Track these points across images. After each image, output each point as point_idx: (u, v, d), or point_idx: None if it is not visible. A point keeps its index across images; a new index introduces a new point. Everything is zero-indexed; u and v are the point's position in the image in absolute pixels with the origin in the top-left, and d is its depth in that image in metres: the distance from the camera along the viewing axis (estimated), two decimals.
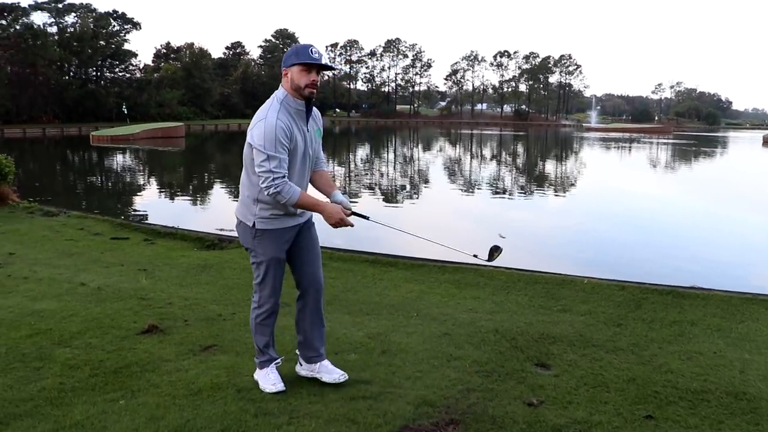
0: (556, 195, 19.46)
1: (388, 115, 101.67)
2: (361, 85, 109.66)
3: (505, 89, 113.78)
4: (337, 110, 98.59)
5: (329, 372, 3.58)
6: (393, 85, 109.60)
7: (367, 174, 24.51)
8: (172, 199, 16.32)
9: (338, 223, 3.17)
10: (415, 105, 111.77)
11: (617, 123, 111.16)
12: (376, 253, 7.32)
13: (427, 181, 23.87)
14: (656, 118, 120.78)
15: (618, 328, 5.03)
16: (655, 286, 6.24)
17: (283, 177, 3.05)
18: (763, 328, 5.10)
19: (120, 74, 64.42)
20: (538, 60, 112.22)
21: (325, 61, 3.14)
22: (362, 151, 40.80)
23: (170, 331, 4.36)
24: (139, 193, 17.28)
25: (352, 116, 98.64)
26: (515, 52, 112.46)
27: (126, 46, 63.93)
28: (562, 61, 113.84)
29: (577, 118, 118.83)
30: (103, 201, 15.65)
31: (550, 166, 31.61)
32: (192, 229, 8.50)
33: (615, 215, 14.62)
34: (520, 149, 48.26)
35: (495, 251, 3.53)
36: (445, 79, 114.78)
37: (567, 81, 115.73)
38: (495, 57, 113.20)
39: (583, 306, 5.61)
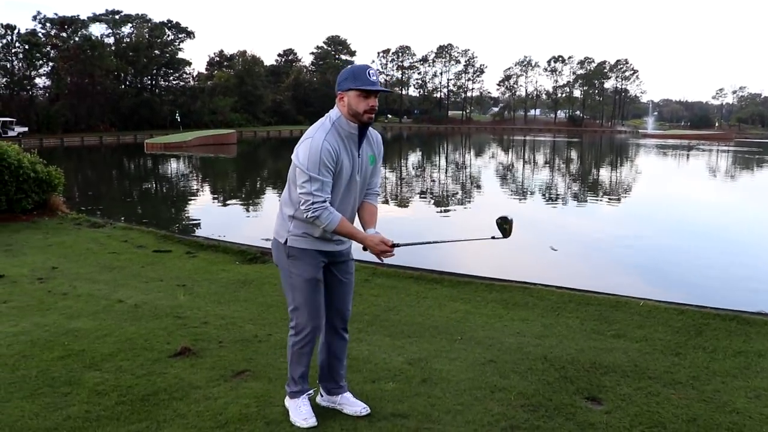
0: (610, 204, 18.85)
1: (439, 120, 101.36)
2: (413, 91, 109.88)
3: (559, 95, 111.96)
4: (389, 116, 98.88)
5: (351, 404, 3.41)
6: (445, 90, 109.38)
7: (418, 179, 24.33)
8: (222, 206, 16.51)
9: (382, 253, 3.00)
10: (467, 111, 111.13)
11: (675, 129, 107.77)
12: (421, 268, 7.07)
13: (478, 187, 23.52)
14: (717, 124, 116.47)
15: (676, 357, 4.66)
16: (718, 311, 5.80)
17: (324, 202, 2.89)
18: None
19: (174, 82, 66.25)
20: (593, 65, 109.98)
21: (381, 82, 2.98)
22: (414, 157, 40.61)
23: (203, 354, 4.24)
24: (188, 201, 17.55)
25: (403, 122, 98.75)
26: (569, 57, 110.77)
27: (180, 55, 65.81)
28: (618, 66, 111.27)
29: (633, 125, 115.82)
30: (153, 209, 15.95)
31: (604, 174, 30.77)
32: (235, 242, 8.45)
33: (673, 228, 13.96)
34: (573, 156, 47.27)
35: (504, 222, 3.23)
36: (498, 85, 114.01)
37: (623, 86, 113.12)
38: (549, 62, 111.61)
39: (639, 331, 5.25)
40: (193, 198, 18.21)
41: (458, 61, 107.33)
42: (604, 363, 4.46)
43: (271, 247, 3.26)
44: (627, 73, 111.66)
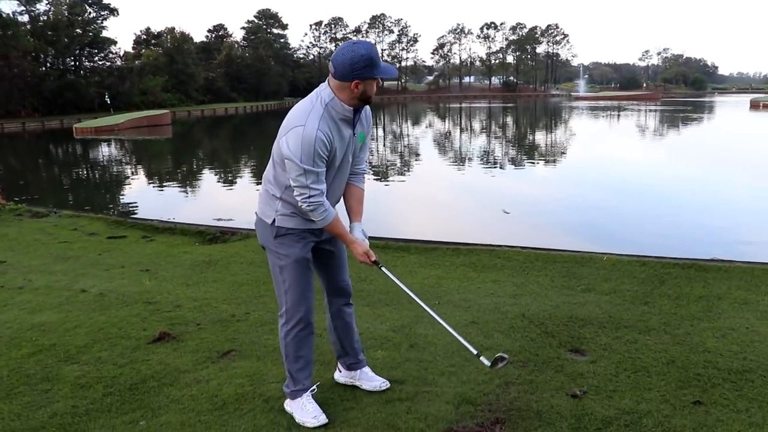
0: (553, 166, 19.26)
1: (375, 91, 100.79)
2: None
3: (493, 61, 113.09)
4: None
5: (370, 380, 3.35)
6: None
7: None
8: (164, 190, 15.96)
9: (363, 258, 2.96)
10: (403, 80, 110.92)
11: (606, 91, 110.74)
12: (387, 237, 7.04)
13: (417, 155, 23.58)
14: (644, 85, 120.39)
15: (645, 306, 4.85)
16: (676, 260, 6.05)
17: (321, 194, 2.74)
18: None
19: (100, 63, 63.12)
20: (525, 31, 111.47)
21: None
22: None
23: (183, 338, 4.12)
24: (129, 186, 16.88)
25: None
26: (502, 24, 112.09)
27: (104, 34, 62.55)
28: (549, 31, 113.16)
29: (565, 88, 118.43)
30: (93, 196, 15.29)
31: (544, 138, 31.39)
32: (191, 223, 8.21)
33: (613, 186, 14.35)
34: (510, 121, 47.96)
35: (497, 362, 3.09)
36: (432, 54, 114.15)
37: (554, 51, 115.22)
38: (482, 29, 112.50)
39: (606, 284, 5.42)
40: (134, 183, 17.53)
41: (392, 31, 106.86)
42: (580, 316, 4.59)
43: (255, 228, 3.06)
44: (558, 38, 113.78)
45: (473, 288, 5.42)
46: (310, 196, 2.71)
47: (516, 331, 4.28)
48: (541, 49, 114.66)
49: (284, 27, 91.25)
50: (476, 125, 43.69)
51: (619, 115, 49.72)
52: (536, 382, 3.47)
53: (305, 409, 3.01)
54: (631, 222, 10.29)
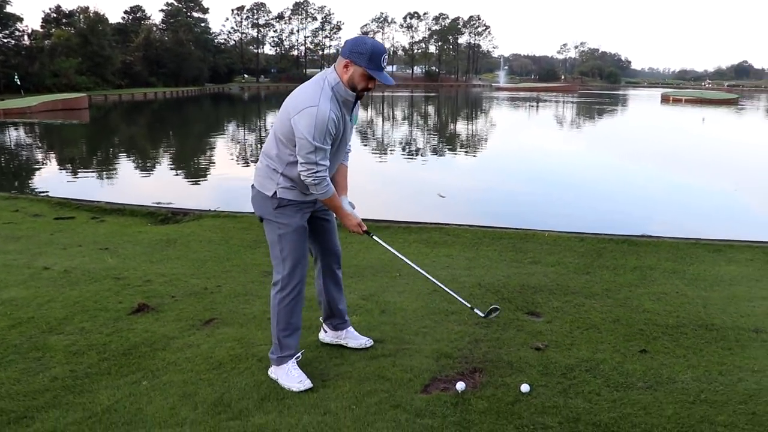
0: (480, 155, 19.84)
1: (298, 79, 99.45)
2: (269, 50, 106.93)
3: (416, 51, 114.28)
4: (246, 76, 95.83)
5: (355, 338, 3.62)
6: (302, 48, 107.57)
7: None
8: (86, 175, 15.40)
9: (356, 229, 3.20)
10: (325, 68, 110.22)
11: (525, 83, 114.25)
12: None
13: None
14: (562, 77, 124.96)
15: (587, 275, 5.33)
16: (611, 236, 6.63)
17: (326, 169, 2.96)
18: (709, 269, 5.57)
19: (5, 41, 59.32)
20: (448, 21, 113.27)
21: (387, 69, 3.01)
22: (272, 118, 39.68)
23: (162, 309, 4.23)
24: (45, 172, 16.12)
25: (261, 81, 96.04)
26: (425, 14, 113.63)
27: (8, 9, 58.73)
28: (471, 22, 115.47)
29: (486, 79, 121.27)
30: (7, 181, 14.56)
31: (468, 127, 32.21)
32: (141, 204, 8.13)
33: (540, 177, 14.88)
34: (432, 110, 48.78)
35: (492, 312, 3.49)
36: None
37: (476, 42, 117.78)
38: (405, 18, 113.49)
39: (551, 257, 5.89)
40: (50, 168, 16.76)
41: (315, 18, 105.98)
42: (531, 284, 5.01)
43: (251, 203, 3.22)
44: (479, 29, 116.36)
45: (428, 262, 5.76)
46: (317, 172, 2.92)
47: (475, 298, 4.63)
48: (463, 39, 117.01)
49: (205, 11, 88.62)
50: (398, 114, 44.23)
51: (538, 107, 51.56)
52: (502, 339, 3.83)
53: (291, 375, 3.14)
54: (560, 209, 10.95)
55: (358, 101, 3.10)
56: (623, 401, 3.02)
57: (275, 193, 3.07)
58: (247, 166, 16.52)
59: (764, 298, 4.69)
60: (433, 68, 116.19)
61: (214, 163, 17.11)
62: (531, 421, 2.83)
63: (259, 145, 21.92)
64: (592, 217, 9.76)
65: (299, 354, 3.25)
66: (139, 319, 4.03)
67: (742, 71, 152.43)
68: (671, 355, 3.63)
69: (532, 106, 52.08)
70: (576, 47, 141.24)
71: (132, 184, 13.67)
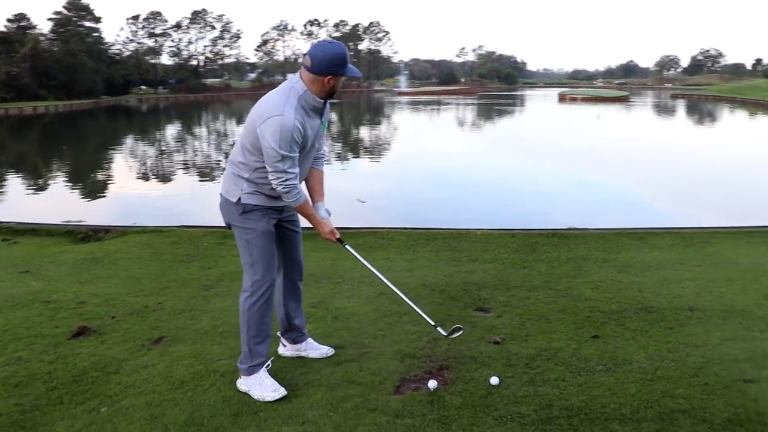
0: (382, 161, 19.82)
1: (197, 89, 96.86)
2: (167, 60, 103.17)
3: None
4: (143, 87, 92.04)
5: (316, 348, 3.59)
6: (201, 58, 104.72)
7: (180, 152, 23.15)
8: None
9: (329, 236, 3.23)
10: (225, 77, 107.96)
11: (426, 86, 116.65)
12: None
13: None
14: (462, 80, 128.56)
15: (525, 270, 5.51)
16: (540, 231, 6.89)
17: (295, 177, 2.96)
18: (636, 256, 5.91)
19: None
20: (348, 28, 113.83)
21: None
22: (172, 129, 38.10)
23: (105, 330, 3.99)
24: None
25: (159, 93, 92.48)
26: (325, 21, 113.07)
27: None
28: (371, 28, 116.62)
29: (388, 83, 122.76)
30: None
31: (378, 133, 32.47)
32: (56, 223, 7.62)
33: (446, 180, 15.16)
34: (335, 116, 48.77)
35: (455, 332, 3.51)
36: (256, 50, 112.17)
37: (376, 48, 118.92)
38: (305, 26, 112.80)
39: (486, 255, 6.04)
40: None
41: (213, 27, 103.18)
42: (474, 281, 5.13)
43: (220, 210, 3.18)
44: (380, 35, 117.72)
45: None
46: (286, 180, 2.92)
47: (423, 298, 4.69)
48: (363, 45, 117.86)
49: (98, 20, 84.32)
50: None
51: (440, 110, 52.74)
52: (459, 336, 3.88)
53: (263, 384, 3.09)
54: (480, 209, 11.27)
55: (327, 103, 3.12)
56: (588, 384, 3.16)
57: (239, 198, 3.05)
58: (158, 179, 15.89)
59: (690, 279, 5.04)
60: None
61: (119, 177, 16.28)
62: (507, 412, 2.90)
63: (164, 158, 21.15)
64: (503, 214, 10.09)
65: (269, 362, 3.21)
66: (82, 342, 3.79)
67: (630, 70, 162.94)
68: (621, 338, 3.82)
69: (435, 109, 53.16)
70: (474, 50, 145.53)
71: (38, 203, 12.82)
